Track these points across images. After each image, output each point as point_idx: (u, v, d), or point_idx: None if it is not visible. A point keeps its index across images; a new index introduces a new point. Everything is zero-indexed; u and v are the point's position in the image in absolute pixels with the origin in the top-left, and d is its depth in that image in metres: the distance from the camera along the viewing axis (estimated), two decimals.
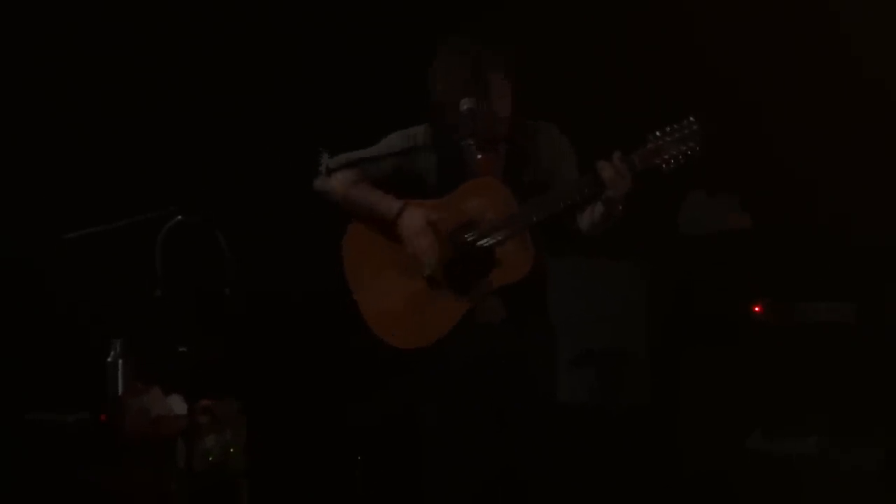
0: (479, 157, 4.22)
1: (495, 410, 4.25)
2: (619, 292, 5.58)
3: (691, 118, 4.02)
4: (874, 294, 5.12)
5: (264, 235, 5.53)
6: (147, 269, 3.74)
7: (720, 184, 5.58)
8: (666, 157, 3.99)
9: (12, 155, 5.52)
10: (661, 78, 5.60)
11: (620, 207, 4.02)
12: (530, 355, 4.22)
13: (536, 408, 4.21)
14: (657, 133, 4.01)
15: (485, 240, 4.11)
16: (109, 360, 4.66)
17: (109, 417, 4.59)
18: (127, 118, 5.69)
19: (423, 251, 4.14)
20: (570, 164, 4.22)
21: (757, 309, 5.28)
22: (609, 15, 5.67)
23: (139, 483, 4.43)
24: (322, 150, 3.93)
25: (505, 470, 4.24)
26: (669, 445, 5.20)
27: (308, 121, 5.70)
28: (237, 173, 4.29)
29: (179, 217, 3.72)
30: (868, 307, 5.12)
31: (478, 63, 4.09)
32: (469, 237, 4.14)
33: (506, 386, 4.23)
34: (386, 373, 4.40)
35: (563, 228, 4.20)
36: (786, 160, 5.55)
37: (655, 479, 5.28)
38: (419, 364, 4.23)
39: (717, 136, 4.13)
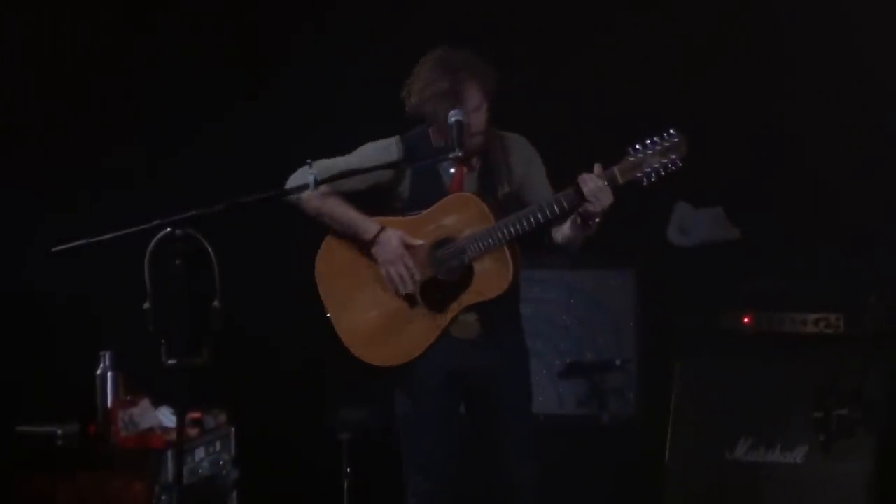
0: (453, 171, 4.23)
1: (474, 425, 4.27)
2: (608, 304, 5.58)
3: (672, 131, 4.02)
4: (861, 304, 5.12)
5: (252, 246, 5.55)
6: (135, 281, 3.73)
7: (707, 195, 5.59)
8: (647, 170, 3.98)
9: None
10: (643, 89, 5.59)
11: (597, 220, 4.01)
12: (505, 372, 4.22)
13: (514, 423, 4.21)
14: (637, 146, 4.01)
15: (462, 256, 4.10)
16: (98, 372, 4.67)
17: (98, 429, 4.60)
18: (119, 128, 5.70)
19: (402, 278, 4.14)
20: (540, 175, 4.23)
21: (746, 320, 5.28)
22: (586, 23, 5.67)
23: (128, 496, 4.43)
24: (309, 162, 3.92)
25: (486, 483, 4.26)
26: (658, 456, 5.20)
27: (294, 131, 5.70)
28: (225, 184, 4.28)
29: (168, 229, 3.71)
30: (856, 317, 5.12)
31: (455, 76, 4.09)
32: (447, 254, 4.13)
33: (482, 402, 4.24)
34: (373, 382, 4.40)
35: (540, 241, 4.20)
36: (775, 170, 5.57)
37: (643, 490, 5.29)
38: (398, 378, 4.23)
39: (704, 148, 4.14)
